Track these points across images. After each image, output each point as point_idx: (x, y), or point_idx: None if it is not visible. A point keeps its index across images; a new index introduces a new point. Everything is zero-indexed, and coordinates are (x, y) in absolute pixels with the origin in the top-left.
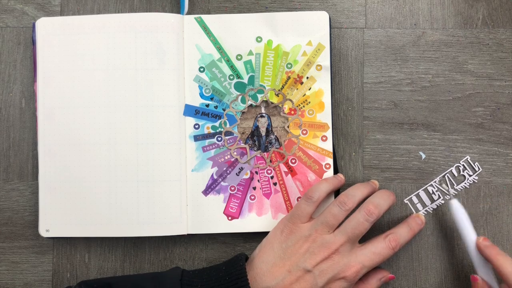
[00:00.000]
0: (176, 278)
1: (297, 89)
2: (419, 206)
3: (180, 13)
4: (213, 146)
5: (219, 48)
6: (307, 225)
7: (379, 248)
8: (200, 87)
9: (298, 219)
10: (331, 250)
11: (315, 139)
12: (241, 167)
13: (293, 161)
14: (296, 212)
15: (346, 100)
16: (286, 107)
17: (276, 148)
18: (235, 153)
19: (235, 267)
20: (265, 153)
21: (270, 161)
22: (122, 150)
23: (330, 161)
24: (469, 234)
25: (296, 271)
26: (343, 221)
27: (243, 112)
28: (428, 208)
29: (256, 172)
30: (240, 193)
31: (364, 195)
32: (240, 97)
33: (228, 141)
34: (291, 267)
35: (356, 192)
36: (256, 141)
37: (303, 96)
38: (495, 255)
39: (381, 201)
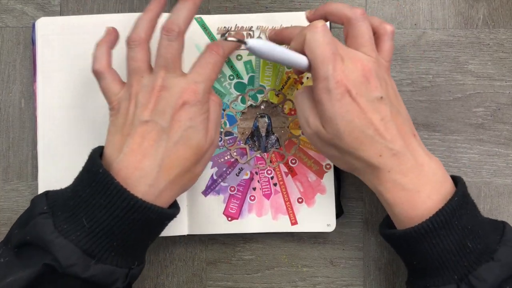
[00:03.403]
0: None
1: (297, 89)
2: None
3: None
4: None
5: None
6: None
7: (202, 60)
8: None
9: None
10: (156, 89)
11: None
12: (241, 168)
13: (293, 161)
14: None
15: None
16: (286, 107)
17: (276, 148)
18: (235, 154)
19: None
20: (265, 153)
21: (270, 161)
22: None
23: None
24: (293, 56)
25: (135, 130)
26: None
27: (243, 112)
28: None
29: (256, 173)
30: (240, 193)
31: (189, 13)
32: (240, 97)
33: (228, 142)
34: (129, 130)
35: (178, 13)
36: (256, 142)
37: None
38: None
39: (176, 13)
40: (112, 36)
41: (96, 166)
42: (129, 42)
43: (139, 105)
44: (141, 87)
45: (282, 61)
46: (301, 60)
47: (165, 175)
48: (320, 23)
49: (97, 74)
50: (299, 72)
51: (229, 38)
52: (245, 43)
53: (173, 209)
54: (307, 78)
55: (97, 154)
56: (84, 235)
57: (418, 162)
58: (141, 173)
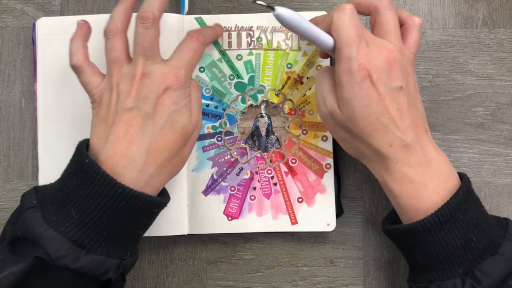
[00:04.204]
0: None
1: (297, 89)
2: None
3: (180, 13)
4: (213, 146)
5: (219, 48)
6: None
7: (183, 46)
8: (201, 87)
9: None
10: (137, 77)
11: (315, 139)
12: (241, 167)
13: (293, 161)
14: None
15: None
16: (286, 107)
17: (276, 148)
18: (235, 153)
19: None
20: (265, 153)
21: (270, 161)
22: None
23: (331, 161)
24: (319, 33)
25: (119, 118)
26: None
27: (243, 112)
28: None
29: (256, 172)
30: (240, 193)
31: (161, 3)
32: (240, 97)
33: (228, 141)
34: (114, 119)
35: (152, 1)
36: (256, 141)
37: (304, 96)
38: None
39: (150, 1)
40: (84, 29)
41: (83, 157)
42: (106, 33)
43: (122, 93)
44: (122, 76)
45: (307, 35)
46: (327, 39)
47: (153, 160)
48: (348, 6)
49: (75, 68)
50: (324, 54)
51: (258, 2)
52: (273, 9)
53: (162, 198)
54: (307, 78)
55: (84, 146)
56: (73, 226)
57: (427, 157)
58: (129, 160)
